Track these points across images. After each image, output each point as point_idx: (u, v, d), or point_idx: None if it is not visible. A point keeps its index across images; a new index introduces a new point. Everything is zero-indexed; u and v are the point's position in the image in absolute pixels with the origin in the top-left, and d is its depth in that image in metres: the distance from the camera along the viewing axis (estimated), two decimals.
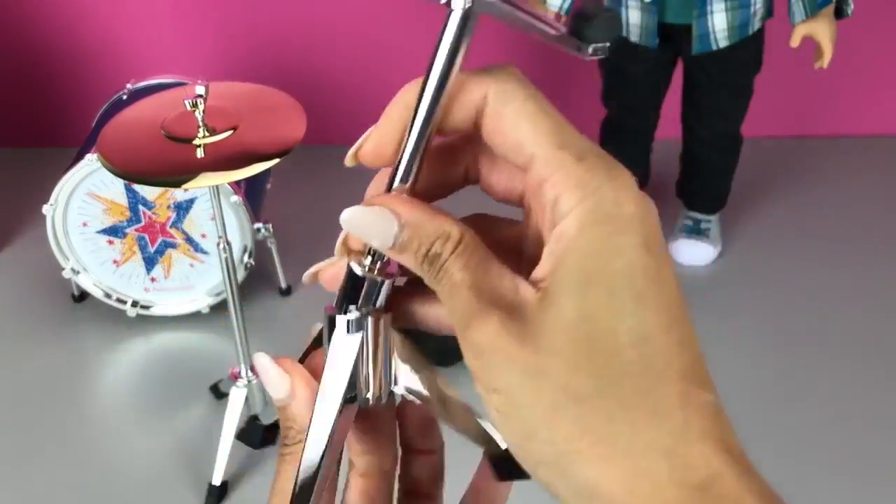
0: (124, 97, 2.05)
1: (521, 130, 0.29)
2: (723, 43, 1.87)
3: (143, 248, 1.95)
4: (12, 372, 1.96)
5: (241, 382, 1.64)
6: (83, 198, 1.87)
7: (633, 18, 1.89)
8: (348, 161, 0.33)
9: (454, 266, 0.29)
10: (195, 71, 2.00)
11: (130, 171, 1.36)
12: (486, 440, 0.33)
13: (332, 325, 0.33)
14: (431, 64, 0.29)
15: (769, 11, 1.92)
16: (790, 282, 2.15)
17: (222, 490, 1.65)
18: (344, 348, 0.33)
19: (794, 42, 1.87)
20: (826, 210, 2.40)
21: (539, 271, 0.29)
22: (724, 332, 1.97)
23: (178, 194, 1.87)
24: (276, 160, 1.33)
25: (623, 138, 2.15)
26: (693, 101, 2.08)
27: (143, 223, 1.92)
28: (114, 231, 1.93)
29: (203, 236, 1.93)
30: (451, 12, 0.29)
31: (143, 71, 2.21)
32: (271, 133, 1.38)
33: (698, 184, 2.21)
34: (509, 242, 0.32)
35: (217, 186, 1.45)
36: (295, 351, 0.36)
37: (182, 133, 1.38)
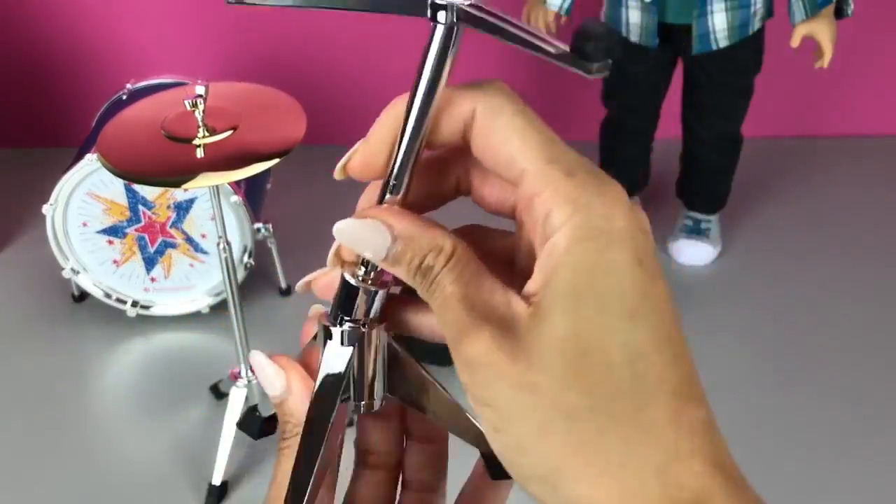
0: (124, 97, 2.05)
1: (511, 145, 0.29)
2: (723, 43, 1.87)
3: (143, 248, 1.95)
4: (12, 372, 1.96)
5: (241, 382, 1.64)
6: (83, 198, 1.87)
7: (633, 18, 1.89)
8: (337, 174, 0.33)
9: (446, 279, 0.29)
10: (195, 71, 2.00)
11: (130, 171, 1.36)
12: (481, 440, 0.33)
13: (326, 335, 0.33)
14: (418, 78, 0.30)
15: (769, 11, 1.92)
16: (790, 282, 2.15)
17: (222, 490, 1.65)
18: (338, 359, 0.33)
19: (794, 42, 1.87)
20: (826, 210, 2.40)
21: (531, 286, 0.29)
22: (723, 331, 1.97)
23: (178, 194, 1.87)
24: (276, 160, 1.33)
25: (623, 138, 2.15)
26: (693, 101, 2.08)
27: (143, 223, 1.92)
28: (114, 231, 1.93)
29: (203, 236, 1.93)
30: (435, 26, 0.29)
31: (143, 71, 2.21)
32: (271, 133, 1.38)
33: (698, 184, 2.21)
34: (502, 253, 0.32)
35: (217, 186, 1.45)
36: (294, 351, 0.36)
37: (182, 133, 1.38)
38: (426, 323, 0.33)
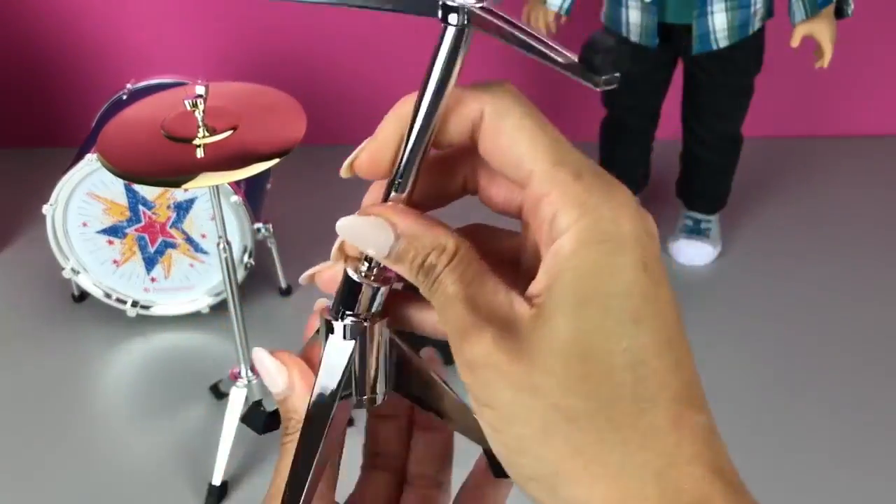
0: (124, 97, 2.05)
1: (519, 147, 0.29)
2: (723, 43, 1.87)
3: (143, 248, 1.95)
4: (12, 372, 1.96)
5: (241, 382, 1.64)
6: (83, 198, 1.87)
7: (633, 18, 1.89)
8: (344, 172, 0.33)
9: (448, 278, 0.29)
10: (195, 71, 2.00)
11: (130, 171, 1.36)
12: (485, 438, 0.33)
13: (328, 329, 0.33)
14: (427, 77, 0.30)
15: (769, 11, 1.92)
16: (790, 282, 2.15)
17: (222, 490, 1.65)
18: (339, 353, 0.33)
19: (795, 42, 1.87)
20: (826, 210, 2.40)
21: (534, 287, 0.29)
22: (723, 331, 1.97)
23: (178, 194, 1.87)
24: (276, 160, 1.33)
25: (623, 138, 2.15)
26: (693, 101, 2.08)
27: (143, 223, 1.92)
28: (114, 231, 1.93)
29: (203, 236, 1.93)
30: (446, 27, 0.29)
31: (143, 71, 2.21)
32: (271, 133, 1.38)
33: (698, 184, 2.21)
34: (507, 254, 0.32)
35: (217, 186, 1.45)
36: (296, 350, 0.36)
37: (182, 133, 1.38)
38: (429, 320, 0.33)
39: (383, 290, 0.33)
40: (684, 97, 2.10)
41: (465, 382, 0.29)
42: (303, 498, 0.32)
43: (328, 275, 0.34)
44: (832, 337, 1.98)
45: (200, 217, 1.90)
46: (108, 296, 1.99)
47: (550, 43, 0.28)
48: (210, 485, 1.64)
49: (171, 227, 1.93)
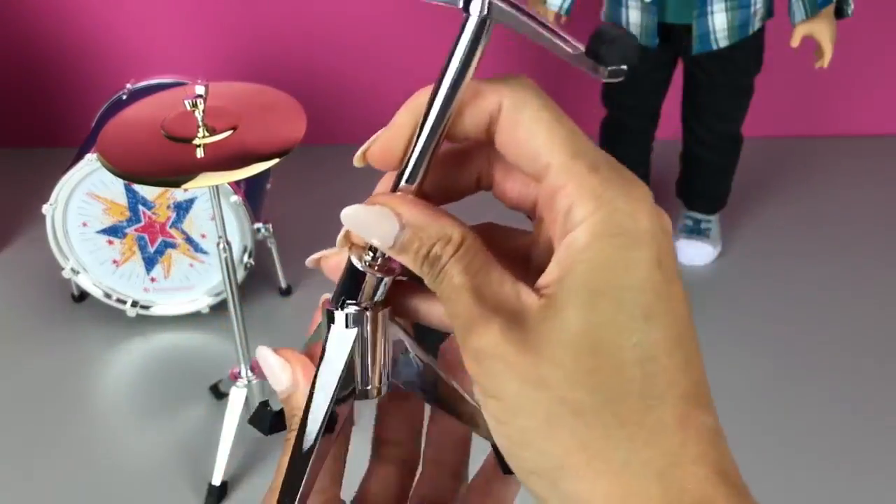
0: (124, 97, 2.05)
1: (537, 140, 0.29)
2: (723, 43, 1.87)
3: (142, 248, 1.95)
4: (12, 372, 1.96)
5: (241, 382, 1.64)
6: (83, 198, 1.87)
7: (633, 18, 1.89)
8: (357, 161, 0.32)
9: (454, 269, 0.29)
10: (195, 71, 2.00)
11: (130, 171, 1.36)
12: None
13: (330, 318, 0.33)
14: (445, 68, 0.29)
15: (769, 11, 1.92)
16: (790, 282, 2.15)
17: (222, 490, 1.65)
18: (341, 342, 0.33)
19: (795, 42, 1.87)
20: (826, 210, 2.40)
21: (544, 278, 0.28)
22: (723, 331, 1.97)
23: (178, 194, 1.87)
24: (276, 160, 1.33)
25: (623, 138, 2.15)
26: (693, 101, 2.08)
27: (142, 223, 1.92)
28: (114, 231, 1.93)
29: (203, 236, 1.93)
30: (467, 18, 0.29)
31: (143, 71, 2.21)
32: (271, 133, 1.38)
33: (698, 184, 2.21)
34: (518, 252, 0.32)
35: (217, 186, 1.45)
36: (297, 349, 0.36)
37: (182, 133, 1.38)
38: (436, 311, 0.33)
39: (387, 280, 0.32)
40: (684, 97, 2.10)
41: (471, 373, 0.29)
42: (300, 491, 0.32)
43: (334, 261, 0.33)
44: (832, 337, 1.98)
45: (200, 217, 1.90)
46: (107, 296, 1.99)
47: (563, 34, 0.28)
48: (210, 485, 1.64)
49: (170, 227, 1.93)
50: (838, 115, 2.67)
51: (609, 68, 0.27)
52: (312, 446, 0.32)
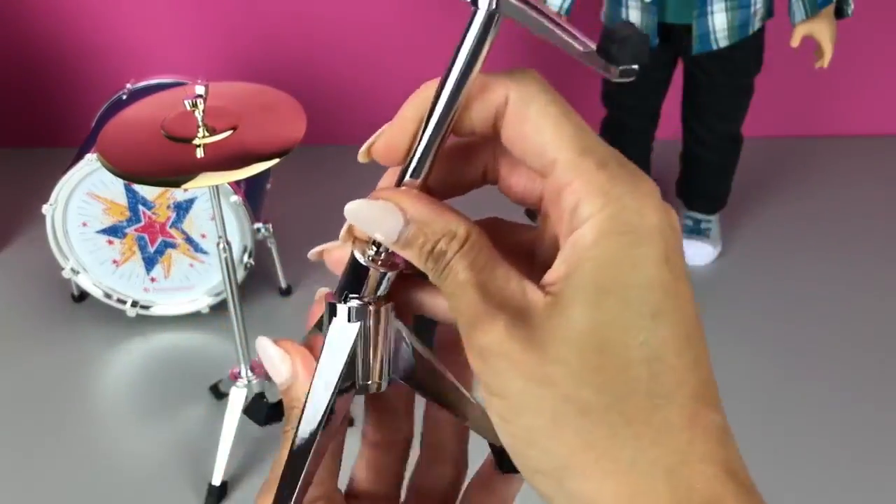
0: (124, 97, 2.05)
1: (544, 134, 0.29)
2: (723, 43, 1.87)
3: (142, 248, 1.95)
4: (12, 372, 1.96)
5: (241, 382, 1.64)
6: (83, 198, 1.87)
7: (633, 18, 1.89)
8: (361, 157, 0.32)
9: (459, 265, 0.29)
10: (195, 71, 2.00)
11: (130, 171, 1.36)
12: (491, 431, 0.33)
13: (332, 312, 0.33)
14: (452, 61, 0.29)
15: (769, 11, 1.92)
16: (790, 281, 2.15)
17: (222, 490, 1.65)
18: (342, 336, 0.32)
19: (795, 42, 1.87)
20: (826, 210, 2.40)
21: (550, 276, 0.28)
22: (724, 331, 1.97)
23: (178, 194, 1.87)
24: (276, 160, 1.32)
25: (623, 138, 2.15)
26: (693, 101, 2.08)
27: (142, 223, 1.92)
28: (113, 231, 1.93)
29: (203, 236, 1.93)
30: (475, 11, 0.29)
31: (143, 71, 2.21)
32: (271, 133, 1.38)
33: (698, 184, 2.21)
34: (523, 248, 0.32)
35: (217, 186, 1.45)
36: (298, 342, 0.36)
37: (182, 133, 1.38)
38: (442, 305, 0.33)
39: (390, 275, 0.32)
40: (684, 97, 2.10)
41: (476, 371, 0.29)
42: (299, 483, 0.32)
43: (337, 255, 0.33)
44: (832, 336, 1.98)
45: (200, 217, 1.90)
46: (107, 296, 1.99)
47: (573, 31, 0.28)
48: (210, 485, 1.64)
49: (170, 227, 1.93)
50: (838, 115, 2.67)
51: (620, 67, 0.27)
52: (312, 439, 0.32)
